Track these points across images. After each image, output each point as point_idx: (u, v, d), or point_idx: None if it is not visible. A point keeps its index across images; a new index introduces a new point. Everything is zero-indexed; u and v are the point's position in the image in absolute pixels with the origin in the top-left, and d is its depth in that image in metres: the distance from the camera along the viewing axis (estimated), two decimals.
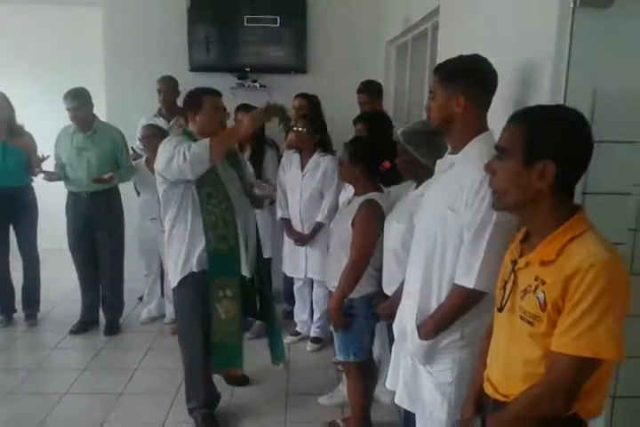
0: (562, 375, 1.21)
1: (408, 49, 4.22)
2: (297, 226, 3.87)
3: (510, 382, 1.34)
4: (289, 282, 4.26)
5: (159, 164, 2.67)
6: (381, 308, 2.44)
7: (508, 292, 1.36)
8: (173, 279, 2.85)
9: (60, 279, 5.00)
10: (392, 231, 2.43)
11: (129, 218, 4.27)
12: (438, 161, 1.95)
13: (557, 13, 1.67)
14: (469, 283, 1.69)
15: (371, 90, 4.00)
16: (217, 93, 2.83)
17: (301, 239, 3.83)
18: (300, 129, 3.74)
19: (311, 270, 3.87)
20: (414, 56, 4.10)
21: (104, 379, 3.52)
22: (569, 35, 1.64)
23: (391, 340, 2.11)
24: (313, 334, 4.00)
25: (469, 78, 1.74)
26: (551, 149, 1.26)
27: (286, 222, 3.93)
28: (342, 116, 3.92)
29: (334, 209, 3.52)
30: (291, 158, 3.95)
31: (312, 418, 3.05)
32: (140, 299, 4.62)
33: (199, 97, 2.77)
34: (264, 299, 3.12)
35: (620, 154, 1.71)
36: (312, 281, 3.98)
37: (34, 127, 4.27)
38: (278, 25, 4.86)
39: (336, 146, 3.90)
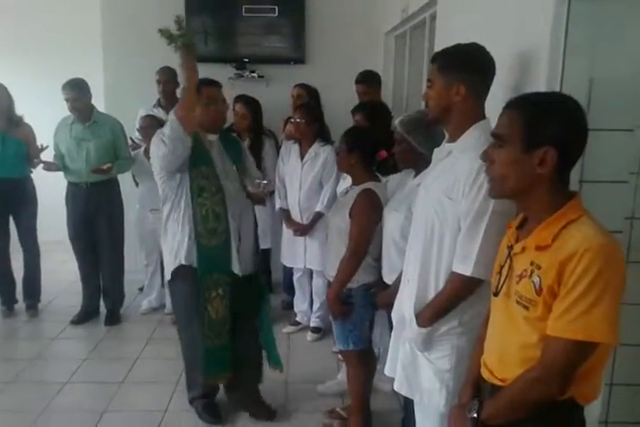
0: (557, 359, 1.23)
1: (406, 39, 4.21)
2: (296, 216, 3.88)
3: (506, 366, 1.36)
4: (288, 272, 4.28)
5: (152, 156, 2.65)
6: (381, 296, 2.46)
7: (503, 276, 1.38)
8: (167, 272, 2.82)
9: (61, 271, 5.04)
10: (391, 221, 2.45)
11: (128, 209, 4.29)
12: (436, 149, 1.96)
13: (554, 1, 1.67)
14: (467, 270, 1.71)
15: (369, 80, 4.00)
16: (216, 84, 2.78)
17: (300, 229, 3.84)
18: (298, 119, 3.74)
19: (310, 261, 3.88)
20: (413, 46, 4.10)
21: (105, 368, 3.55)
22: (565, 23, 1.64)
23: (391, 328, 2.13)
24: (313, 323, 4.02)
25: (468, 66, 1.75)
26: (552, 135, 1.27)
27: (285, 213, 3.94)
28: (341, 106, 3.92)
29: (333, 199, 3.52)
30: (290, 149, 3.96)
31: (312, 407, 3.08)
32: (141, 290, 4.65)
33: (197, 88, 2.69)
34: (260, 302, 2.99)
35: (617, 142, 1.71)
36: (311, 271, 4.00)
37: (33, 118, 4.26)
38: (276, 15, 4.85)
39: (335, 136, 3.89)
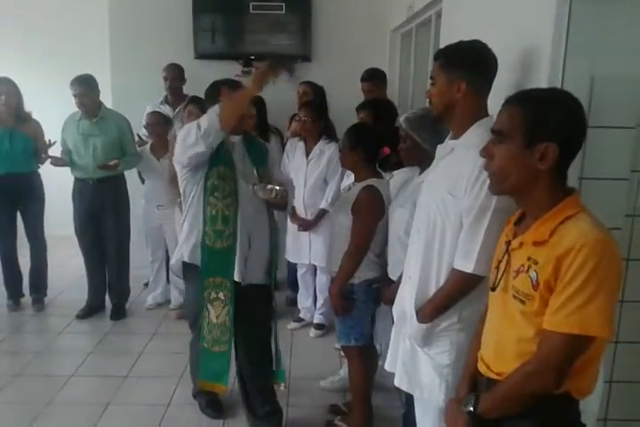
0: (553, 353, 1.24)
1: (412, 37, 4.22)
2: (300, 213, 3.90)
3: (503, 360, 1.37)
4: (293, 269, 4.30)
5: (177, 147, 2.54)
6: (386, 292, 2.47)
7: (501, 272, 1.39)
8: (173, 259, 2.81)
9: (67, 266, 5.08)
10: (397, 217, 2.46)
11: (134, 205, 4.32)
12: (439, 146, 1.97)
13: (555, 0, 1.68)
14: (468, 267, 1.72)
15: (374, 78, 4.01)
16: (237, 84, 2.67)
17: (304, 225, 3.86)
18: (303, 117, 3.76)
19: (314, 257, 3.90)
20: (418, 44, 4.10)
21: (110, 362, 3.58)
22: (566, 21, 1.65)
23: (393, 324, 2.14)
24: (316, 320, 4.04)
25: (470, 64, 1.76)
26: (553, 131, 1.28)
27: (290, 209, 3.96)
28: (347, 104, 3.92)
29: (338, 196, 3.54)
30: (295, 146, 3.98)
31: (314, 402, 3.10)
32: (146, 285, 4.69)
33: (217, 88, 2.64)
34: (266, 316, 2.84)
35: (617, 139, 1.73)
36: (315, 268, 4.02)
37: (41, 114, 4.30)
38: (283, 12, 4.86)
39: (340, 134, 3.91)
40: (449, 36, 2.80)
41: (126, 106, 4.52)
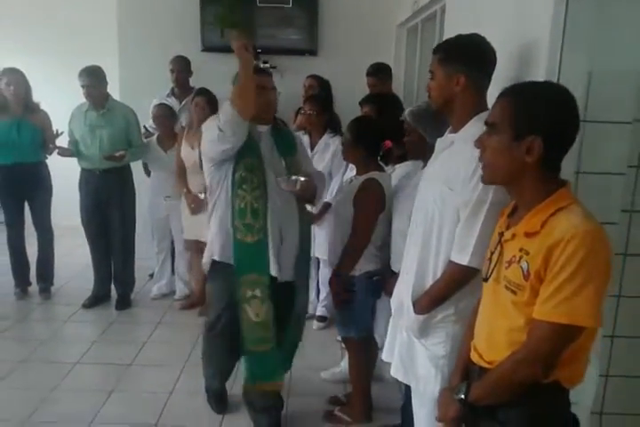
0: (541, 342, 1.27)
1: (418, 31, 4.24)
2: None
3: (494, 349, 1.40)
4: None
5: (204, 143, 2.49)
6: (388, 284, 2.50)
7: (493, 262, 1.42)
8: (204, 259, 2.70)
9: (74, 256, 5.13)
10: (401, 210, 2.49)
11: (140, 197, 4.35)
12: (439, 140, 1.99)
13: None
14: (464, 260, 1.74)
15: (380, 72, 4.03)
16: (264, 72, 2.64)
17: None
18: (308, 111, 3.78)
19: (318, 250, 3.91)
20: (424, 38, 4.12)
21: (114, 350, 3.63)
22: (563, 17, 1.66)
23: None
24: (319, 312, 4.07)
25: (468, 57, 1.77)
26: (539, 125, 1.30)
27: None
28: (352, 98, 3.91)
29: (341, 189, 3.56)
30: (300, 139, 4.00)
31: (315, 392, 3.14)
32: (151, 276, 4.73)
33: None
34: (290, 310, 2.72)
35: (614, 134, 1.75)
36: (318, 261, 4.04)
37: (49, 105, 4.35)
38: (290, 6, 4.88)
39: (345, 128, 3.94)
40: (452, 30, 2.80)
41: (133, 98, 4.56)
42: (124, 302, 4.33)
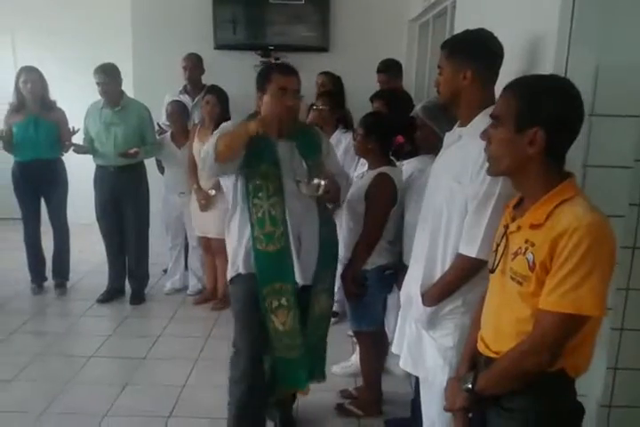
0: (547, 331, 1.28)
1: (429, 27, 4.24)
2: None
3: (501, 339, 1.42)
4: None
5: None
6: (402, 278, 2.52)
7: (499, 254, 1.44)
8: (228, 275, 2.54)
9: (88, 252, 5.20)
10: (413, 205, 2.51)
11: (154, 193, 4.40)
12: (447, 134, 2.01)
13: None
14: (472, 252, 1.76)
15: (390, 69, 4.05)
16: (290, 71, 2.39)
17: None
18: (321, 107, 3.81)
19: None
20: (435, 34, 4.12)
21: (128, 344, 3.69)
22: (571, 11, 1.67)
23: None
24: None
25: (475, 52, 1.79)
26: (541, 117, 1.31)
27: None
28: (363, 94, 3.94)
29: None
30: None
31: (326, 386, 3.13)
32: (165, 271, 4.78)
33: (268, 75, 2.36)
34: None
35: (622, 128, 1.75)
36: None
37: (65, 102, 4.41)
38: (303, 2, 4.90)
39: (357, 123, 3.96)
40: (463, 26, 2.82)
41: (147, 95, 4.61)
42: (139, 297, 4.39)
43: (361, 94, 4.09)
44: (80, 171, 4.51)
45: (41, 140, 4.16)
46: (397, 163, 2.78)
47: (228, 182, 2.47)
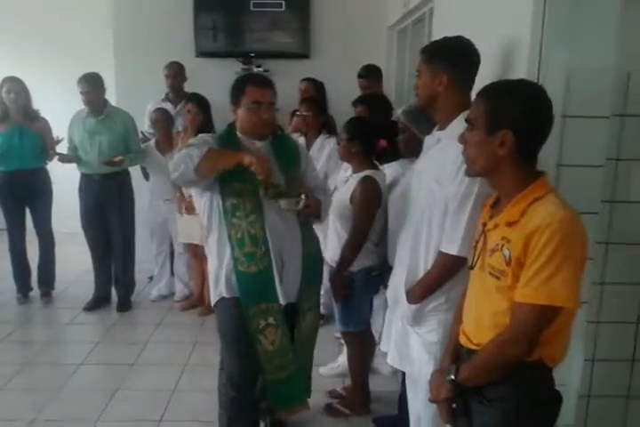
0: (523, 322, 1.35)
1: (408, 33, 4.33)
2: None
3: (481, 332, 1.48)
4: None
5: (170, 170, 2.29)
6: (386, 278, 2.58)
7: (478, 251, 1.51)
8: (211, 298, 2.43)
9: (73, 261, 5.18)
10: (396, 206, 2.57)
11: (139, 200, 4.42)
12: (427, 137, 2.09)
13: None
14: (453, 250, 1.83)
15: (370, 74, 4.13)
16: (264, 84, 2.29)
17: None
18: (304, 113, 3.87)
19: None
20: (414, 40, 4.21)
21: (117, 351, 3.71)
22: (542, 17, 1.76)
23: None
24: None
25: (451, 58, 1.87)
26: (509, 119, 1.39)
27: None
28: (345, 99, 4.01)
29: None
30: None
31: (314, 387, 3.17)
32: (150, 279, 4.81)
33: (242, 87, 2.26)
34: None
35: (593, 128, 1.83)
36: None
37: (48, 112, 4.43)
38: (283, 9, 4.97)
39: (340, 128, 4.03)
40: (440, 32, 2.91)
41: (130, 103, 4.64)
42: (125, 305, 4.40)
43: (342, 99, 4.16)
44: (63, 180, 4.53)
45: (25, 149, 4.17)
46: (380, 166, 2.84)
47: (200, 201, 2.37)
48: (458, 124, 1.87)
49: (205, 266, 4.15)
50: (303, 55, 5.07)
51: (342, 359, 3.28)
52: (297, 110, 4.09)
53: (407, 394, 2.14)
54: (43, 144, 4.22)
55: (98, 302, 4.40)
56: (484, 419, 1.48)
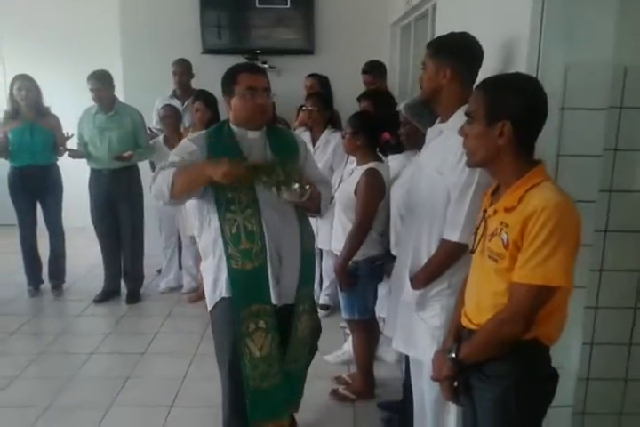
0: (520, 302, 1.43)
1: (411, 30, 4.40)
2: None
3: (481, 313, 1.56)
4: None
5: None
6: (390, 267, 2.65)
7: (479, 236, 1.59)
8: (208, 301, 2.34)
9: (83, 255, 5.27)
10: (397, 197, 2.65)
11: (148, 195, 4.48)
12: (429, 129, 2.16)
13: None
14: (455, 237, 1.91)
15: (374, 70, 4.21)
16: (257, 70, 2.24)
17: None
18: (310, 107, 3.94)
19: (321, 242, 4.04)
20: (417, 36, 4.28)
21: (127, 341, 3.80)
22: (541, 13, 1.83)
23: None
24: (322, 301, 4.22)
25: (456, 53, 1.95)
26: (507, 111, 1.47)
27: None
28: (349, 95, 4.10)
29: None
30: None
31: (321, 374, 3.26)
32: (159, 272, 4.90)
33: (234, 76, 2.16)
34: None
35: (591, 120, 1.90)
36: (322, 252, 4.19)
37: (59, 109, 4.50)
38: (288, 6, 5.04)
39: (344, 123, 4.10)
40: (443, 28, 2.97)
41: (137, 100, 4.70)
42: (135, 297, 4.49)
43: (347, 95, 4.24)
44: (71, 175, 4.60)
45: (37, 145, 4.26)
46: (384, 158, 2.92)
47: (197, 204, 2.26)
48: (459, 117, 1.93)
49: None
50: (308, 51, 5.14)
51: (347, 347, 3.37)
52: (303, 106, 4.16)
53: (411, 377, 2.22)
54: (53, 140, 4.30)
55: (107, 295, 4.49)
56: (484, 395, 1.55)
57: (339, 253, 2.85)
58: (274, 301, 2.22)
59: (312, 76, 4.53)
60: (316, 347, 2.63)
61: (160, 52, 4.98)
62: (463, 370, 1.59)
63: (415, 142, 2.56)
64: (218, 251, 2.20)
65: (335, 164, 3.99)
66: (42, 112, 4.31)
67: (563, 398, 2.01)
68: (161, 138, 4.45)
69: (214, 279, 2.25)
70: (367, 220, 2.74)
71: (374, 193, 2.73)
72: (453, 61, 1.94)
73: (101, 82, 4.07)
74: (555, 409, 1.86)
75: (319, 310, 4.11)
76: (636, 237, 2.14)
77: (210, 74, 4.85)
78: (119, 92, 4.64)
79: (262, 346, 2.23)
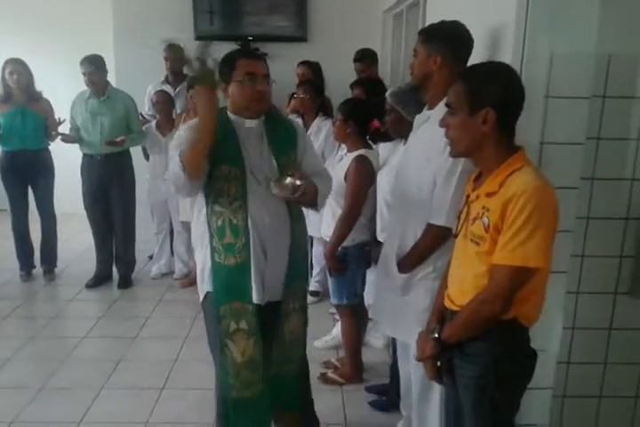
0: (500, 282, 1.48)
1: (403, 17, 4.41)
2: None
3: (464, 294, 1.60)
4: None
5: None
6: (376, 253, 2.70)
7: (462, 221, 1.63)
8: (200, 291, 2.29)
9: (75, 240, 5.32)
10: (384, 184, 2.69)
11: (140, 180, 4.52)
12: (417, 116, 2.20)
13: None
14: (440, 221, 1.95)
15: (366, 58, 4.24)
16: (256, 56, 2.21)
17: None
18: (302, 95, 3.97)
19: (311, 229, 4.05)
20: (409, 24, 4.29)
21: (119, 325, 3.84)
22: (526, 3, 1.86)
23: None
24: (312, 287, 4.25)
25: (447, 40, 1.99)
26: (490, 98, 1.51)
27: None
28: (341, 82, 4.13)
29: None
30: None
31: (309, 358, 3.32)
32: (150, 257, 4.93)
33: (232, 62, 2.07)
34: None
35: (574, 109, 1.94)
36: (312, 239, 4.23)
37: (51, 93, 4.50)
38: None
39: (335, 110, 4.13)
40: (435, 16, 2.99)
41: (129, 85, 4.70)
42: (126, 282, 4.54)
43: (339, 82, 4.26)
44: (62, 161, 4.60)
45: (28, 130, 4.27)
46: (373, 146, 2.96)
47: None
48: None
49: None
50: (301, 39, 5.15)
51: (336, 332, 3.42)
52: (295, 93, 4.18)
53: (398, 358, 2.27)
54: (45, 125, 4.31)
55: (99, 280, 4.53)
56: (465, 373, 1.61)
57: (328, 239, 2.89)
58: (255, 299, 2.13)
59: (304, 63, 4.54)
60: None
61: (152, 37, 4.96)
62: (446, 350, 1.64)
63: (400, 130, 2.60)
64: (205, 243, 2.15)
65: (327, 151, 4.01)
66: (34, 96, 4.32)
67: (543, 381, 2.08)
68: (153, 123, 4.47)
69: (202, 270, 2.21)
70: (357, 206, 2.78)
71: (364, 179, 2.77)
72: (444, 49, 1.98)
73: (94, 66, 4.08)
74: (535, 391, 1.93)
75: (309, 296, 4.20)
76: (616, 223, 2.19)
77: None
78: (111, 78, 4.65)
79: (244, 350, 2.14)
